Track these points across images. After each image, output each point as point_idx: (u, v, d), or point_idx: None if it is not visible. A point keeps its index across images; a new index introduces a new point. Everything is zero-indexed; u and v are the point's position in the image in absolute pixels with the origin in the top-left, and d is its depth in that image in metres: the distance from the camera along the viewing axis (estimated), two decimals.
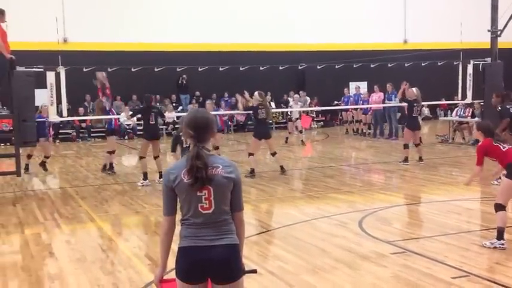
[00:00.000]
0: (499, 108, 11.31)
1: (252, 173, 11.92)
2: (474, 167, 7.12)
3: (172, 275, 3.55)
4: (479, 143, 7.10)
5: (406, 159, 13.24)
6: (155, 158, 11.66)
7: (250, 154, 12.19)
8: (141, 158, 11.62)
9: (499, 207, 6.71)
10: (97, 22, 21.38)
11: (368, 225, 7.85)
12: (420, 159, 13.28)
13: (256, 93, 12.27)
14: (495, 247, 6.61)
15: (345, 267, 6.11)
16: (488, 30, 15.20)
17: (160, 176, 11.70)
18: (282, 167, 12.30)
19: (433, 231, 7.39)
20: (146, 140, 11.63)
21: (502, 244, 6.59)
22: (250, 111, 12.68)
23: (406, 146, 13.31)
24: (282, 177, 12.01)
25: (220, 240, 3.29)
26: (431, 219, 8.09)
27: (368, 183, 11.43)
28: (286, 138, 18.06)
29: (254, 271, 3.74)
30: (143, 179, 11.42)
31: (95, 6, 21.65)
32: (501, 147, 6.89)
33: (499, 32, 15.08)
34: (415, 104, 13.49)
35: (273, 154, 12.36)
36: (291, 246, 6.88)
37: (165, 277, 3.51)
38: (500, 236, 6.64)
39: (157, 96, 21.70)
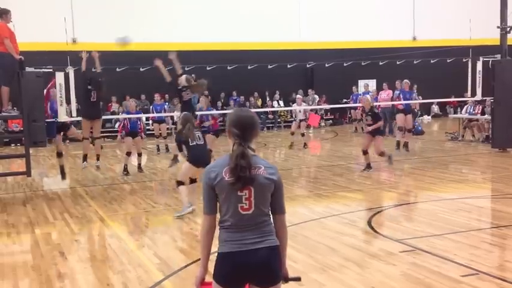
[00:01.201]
0: None
1: None
2: None
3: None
4: None
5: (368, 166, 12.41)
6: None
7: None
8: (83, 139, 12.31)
9: None
10: (105, 22, 21.44)
11: (377, 224, 7.83)
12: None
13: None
14: None
15: (354, 265, 6.09)
16: (498, 27, 15.09)
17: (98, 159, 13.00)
18: None
19: (443, 229, 7.36)
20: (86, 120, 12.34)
21: None
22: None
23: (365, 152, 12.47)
24: (291, 176, 12.00)
25: (262, 243, 3.20)
26: (440, 217, 8.05)
27: (377, 181, 11.40)
28: (292, 143, 17.11)
29: (298, 279, 3.52)
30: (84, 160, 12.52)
31: (103, 6, 21.74)
32: None
33: (508, 29, 14.96)
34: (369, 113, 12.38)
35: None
36: (300, 245, 6.87)
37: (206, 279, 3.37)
38: None
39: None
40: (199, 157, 8.53)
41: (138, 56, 21.81)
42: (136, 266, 6.33)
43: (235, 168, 3.16)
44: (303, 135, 17.17)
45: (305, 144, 17.15)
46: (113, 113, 19.89)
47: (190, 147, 8.61)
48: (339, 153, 15.68)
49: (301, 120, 17.16)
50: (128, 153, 13.13)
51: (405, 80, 16.87)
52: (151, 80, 21.75)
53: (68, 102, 13.43)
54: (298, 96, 19.51)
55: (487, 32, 18.67)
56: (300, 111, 17.27)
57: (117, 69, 21.60)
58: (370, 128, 12.14)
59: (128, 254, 6.90)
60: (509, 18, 14.97)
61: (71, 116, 12.84)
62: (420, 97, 18.84)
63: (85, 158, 12.57)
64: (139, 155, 13.46)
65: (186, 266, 6.19)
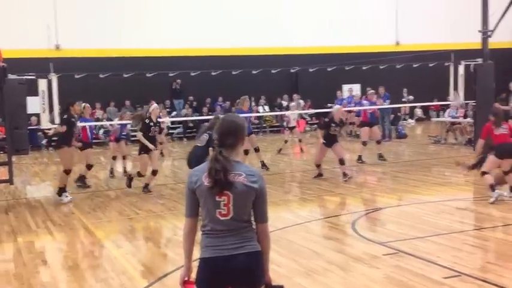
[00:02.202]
0: None
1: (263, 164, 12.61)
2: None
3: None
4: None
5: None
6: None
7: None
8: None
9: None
10: (89, 29, 21.35)
11: (361, 227, 7.87)
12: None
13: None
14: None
15: (338, 269, 6.11)
16: (479, 31, 15.26)
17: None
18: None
19: (426, 232, 7.41)
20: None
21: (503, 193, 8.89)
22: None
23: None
24: (275, 180, 12.02)
25: (241, 248, 3.22)
26: (424, 220, 8.11)
27: (361, 185, 11.45)
28: (280, 149, 16.94)
29: (281, 287, 3.52)
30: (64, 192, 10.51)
31: (87, 13, 21.63)
32: (495, 131, 9.07)
33: (489, 33, 15.13)
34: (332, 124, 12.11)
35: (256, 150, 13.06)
36: (284, 249, 6.88)
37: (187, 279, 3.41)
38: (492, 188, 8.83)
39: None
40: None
41: (121, 62, 21.75)
42: (120, 273, 6.30)
43: (210, 171, 3.20)
44: (300, 140, 17.36)
45: (301, 149, 17.34)
46: (97, 120, 19.75)
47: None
48: (323, 158, 15.70)
49: (292, 128, 17.34)
50: (114, 157, 13.51)
51: (371, 91, 16.88)
52: (135, 86, 21.80)
53: (51, 109, 13.34)
54: (292, 103, 19.73)
55: (469, 36, 18.88)
56: (294, 119, 17.49)
57: (101, 76, 21.51)
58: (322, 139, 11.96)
59: (111, 262, 6.86)
60: (490, 22, 15.14)
61: (54, 123, 12.71)
62: (388, 101, 18.79)
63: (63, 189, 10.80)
64: (124, 158, 13.73)
65: (170, 273, 6.16)
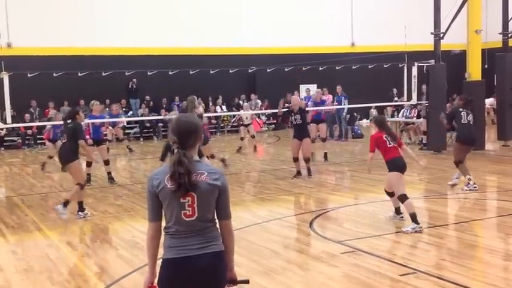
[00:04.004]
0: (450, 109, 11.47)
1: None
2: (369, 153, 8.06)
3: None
4: (372, 134, 8.08)
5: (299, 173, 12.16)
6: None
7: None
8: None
9: (404, 197, 7.48)
10: (42, 26, 20.83)
11: (319, 226, 7.95)
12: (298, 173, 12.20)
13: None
14: (416, 231, 7.25)
15: (297, 268, 6.16)
16: (432, 33, 15.63)
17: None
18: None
19: (382, 230, 7.55)
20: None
21: (420, 228, 7.33)
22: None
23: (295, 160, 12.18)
24: (234, 181, 12.01)
25: (206, 248, 3.21)
26: (380, 219, 8.25)
27: (319, 184, 11.56)
28: (239, 147, 17.15)
29: (247, 281, 3.55)
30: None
31: (39, 10, 21.09)
32: (388, 143, 7.72)
33: (441, 35, 15.53)
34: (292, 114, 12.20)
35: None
36: (243, 249, 6.88)
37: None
38: (414, 219, 7.37)
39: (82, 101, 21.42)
40: None
41: (76, 61, 21.34)
42: (76, 276, 6.18)
43: (174, 175, 3.16)
44: (253, 137, 17.45)
45: (255, 147, 17.50)
46: (50, 120, 19.29)
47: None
48: (281, 157, 15.81)
49: (249, 124, 17.56)
50: (89, 164, 11.74)
51: (317, 90, 17.11)
52: (90, 85, 21.41)
53: (3, 108, 12.99)
54: (245, 104, 19.93)
55: (422, 38, 19.32)
56: (246, 118, 17.64)
57: (54, 74, 21.04)
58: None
59: (67, 264, 6.72)
60: (442, 24, 15.53)
61: (6, 123, 12.38)
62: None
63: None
64: (106, 163, 12.24)
65: (127, 275, 6.07)
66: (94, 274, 6.25)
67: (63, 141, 9.90)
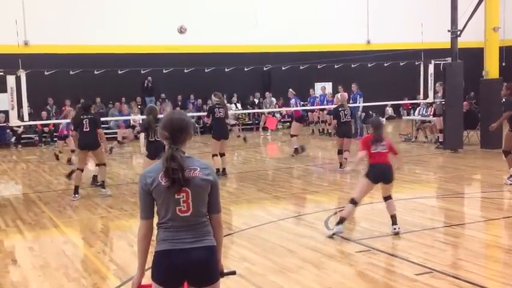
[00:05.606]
0: (504, 100, 11.21)
1: (223, 172, 12.07)
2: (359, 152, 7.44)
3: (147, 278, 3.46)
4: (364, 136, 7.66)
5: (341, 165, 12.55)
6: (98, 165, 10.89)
7: (214, 155, 12.20)
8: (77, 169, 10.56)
9: (352, 201, 7.33)
10: (58, 24, 21.00)
11: (334, 225, 7.90)
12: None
13: (212, 94, 12.53)
14: (334, 234, 7.19)
15: (312, 266, 6.14)
16: (449, 31, 15.49)
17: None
18: (224, 170, 12.21)
19: None
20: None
21: (341, 232, 7.20)
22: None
23: (340, 152, 12.70)
24: (248, 179, 12.01)
25: (199, 242, 3.26)
26: None
27: (334, 183, 11.53)
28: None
29: (233, 273, 3.66)
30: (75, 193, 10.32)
31: (56, 8, 21.26)
32: (372, 148, 7.21)
33: (458, 32, 15.38)
34: (340, 109, 12.63)
35: (222, 155, 12.26)
36: (258, 247, 6.89)
37: (142, 283, 3.41)
38: (341, 222, 7.28)
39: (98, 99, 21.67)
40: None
41: (92, 59, 21.47)
42: (92, 272, 6.22)
43: (167, 171, 3.19)
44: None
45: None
46: (66, 117, 19.47)
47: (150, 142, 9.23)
48: (296, 156, 15.77)
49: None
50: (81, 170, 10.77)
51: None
52: (106, 83, 21.54)
53: (20, 106, 13.11)
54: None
55: (438, 35, 19.17)
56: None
57: (71, 72, 21.19)
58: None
59: (83, 261, 6.77)
60: (459, 22, 15.39)
61: (23, 121, 12.50)
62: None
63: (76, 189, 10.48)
64: (100, 165, 11.06)
65: None
66: (110, 271, 6.29)
67: (85, 129, 10.38)
